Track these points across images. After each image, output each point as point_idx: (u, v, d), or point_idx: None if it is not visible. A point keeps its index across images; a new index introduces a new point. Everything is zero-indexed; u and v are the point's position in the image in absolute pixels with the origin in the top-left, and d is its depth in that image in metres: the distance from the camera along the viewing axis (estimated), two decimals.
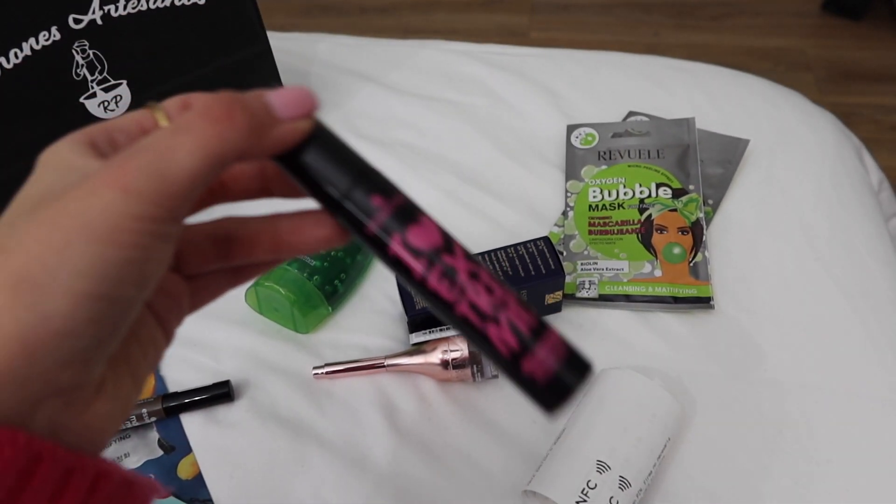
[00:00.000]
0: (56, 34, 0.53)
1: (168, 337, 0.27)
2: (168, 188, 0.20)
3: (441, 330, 0.53)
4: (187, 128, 0.21)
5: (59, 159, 0.22)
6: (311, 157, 0.25)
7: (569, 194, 0.65)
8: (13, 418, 0.19)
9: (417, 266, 0.25)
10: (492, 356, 0.25)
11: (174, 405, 0.51)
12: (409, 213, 0.25)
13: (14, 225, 0.20)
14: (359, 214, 0.25)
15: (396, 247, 0.25)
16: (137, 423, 0.51)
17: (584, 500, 0.42)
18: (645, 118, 0.71)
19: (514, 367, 0.25)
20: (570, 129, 0.70)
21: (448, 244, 0.25)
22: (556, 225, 0.64)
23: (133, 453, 0.50)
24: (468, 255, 0.25)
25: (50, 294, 0.19)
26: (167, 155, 0.21)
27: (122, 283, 0.20)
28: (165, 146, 0.21)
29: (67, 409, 0.21)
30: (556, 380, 0.24)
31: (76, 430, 0.22)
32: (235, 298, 0.58)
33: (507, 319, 0.24)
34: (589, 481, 0.43)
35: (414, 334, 0.53)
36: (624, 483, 0.43)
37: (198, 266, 0.27)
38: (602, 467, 0.43)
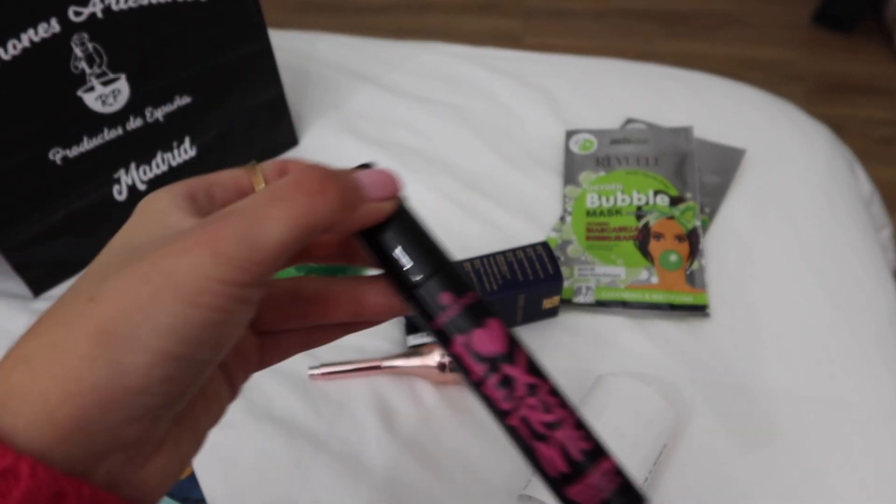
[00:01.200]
0: (55, 26, 0.52)
1: (233, 392, 0.27)
2: (256, 255, 0.21)
3: None
4: (281, 197, 0.22)
5: (157, 211, 0.23)
6: (391, 238, 0.25)
7: (567, 199, 0.65)
8: (77, 469, 0.20)
9: (477, 369, 0.25)
10: (538, 472, 0.25)
11: None
12: (476, 314, 0.25)
13: (105, 275, 0.21)
14: (427, 306, 0.25)
15: (459, 347, 0.25)
16: None
17: None
18: (643, 126, 0.72)
19: (559, 490, 0.24)
20: (569, 134, 0.70)
21: (511, 352, 0.25)
22: (553, 230, 0.64)
23: None
24: (531, 366, 0.25)
25: (130, 349, 0.19)
26: (259, 223, 0.21)
27: (200, 345, 0.21)
28: (259, 214, 0.21)
29: (128, 463, 0.21)
30: None
31: (133, 484, 0.22)
32: None
33: (560, 441, 0.24)
34: None
35: (411, 336, 0.53)
36: None
37: (273, 323, 0.27)
38: None
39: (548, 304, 0.55)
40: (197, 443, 0.25)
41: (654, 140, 0.67)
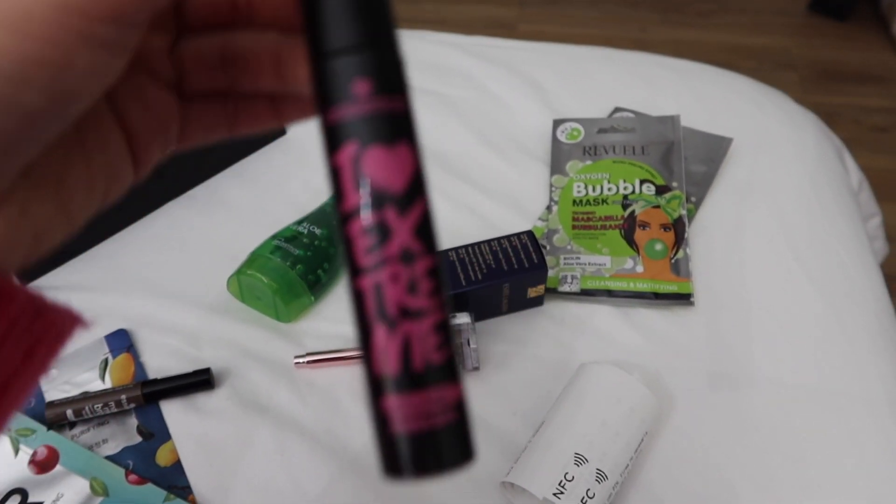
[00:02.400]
0: None
1: (139, 165, 0.23)
2: None
3: None
4: None
5: None
6: None
7: (553, 189, 0.65)
8: None
9: (353, 197, 0.18)
10: (363, 360, 0.19)
11: (154, 391, 0.51)
12: (390, 127, 0.19)
13: None
14: (333, 88, 0.19)
15: (345, 158, 0.19)
16: (116, 410, 0.51)
17: (562, 493, 0.43)
18: (630, 114, 0.72)
19: (374, 393, 0.19)
20: (556, 123, 0.70)
21: (408, 198, 0.19)
22: (539, 219, 0.64)
23: (111, 440, 0.50)
24: (422, 229, 0.19)
25: None
26: None
27: (25, 86, 0.16)
28: None
29: None
30: (410, 446, 0.18)
31: None
32: (217, 286, 0.58)
33: (406, 336, 0.18)
34: (566, 474, 0.43)
35: None
36: (601, 476, 0.44)
37: (198, 82, 0.24)
38: (580, 460, 0.44)
39: (533, 292, 0.56)
40: (66, 218, 0.20)
41: (641, 129, 0.67)
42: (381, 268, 0.18)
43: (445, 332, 0.19)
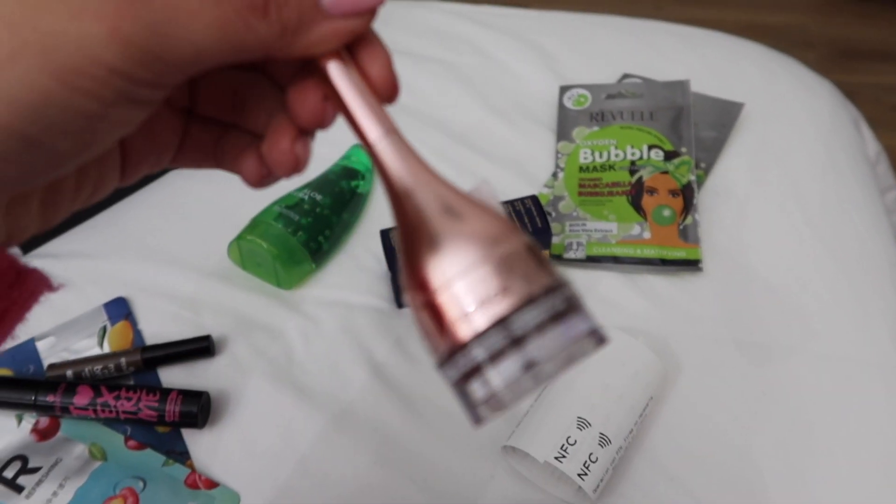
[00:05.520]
0: None
1: (127, 177, 0.24)
2: (163, 53, 0.17)
3: None
4: (218, 1, 0.18)
5: None
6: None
7: (559, 155, 0.64)
8: None
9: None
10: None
11: (153, 357, 0.51)
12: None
13: None
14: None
15: None
16: (115, 373, 0.50)
17: (564, 457, 0.42)
18: (639, 80, 0.70)
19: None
20: (563, 89, 0.69)
21: None
22: (545, 186, 0.63)
23: None
24: None
25: None
26: (182, 17, 0.17)
27: (59, 132, 0.17)
28: (186, 7, 0.17)
29: None
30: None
31: None
32: (217, 252, 0.57)
33: None
34: (569, 437, 0.42)
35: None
36: (604, 440, 0.43)
37: (206, 111, 0.25)
38: (582, 424, 0.43)
39: None
40: (44, 219, 0.22)
41: (650, 94, 0.66)
42: None
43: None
